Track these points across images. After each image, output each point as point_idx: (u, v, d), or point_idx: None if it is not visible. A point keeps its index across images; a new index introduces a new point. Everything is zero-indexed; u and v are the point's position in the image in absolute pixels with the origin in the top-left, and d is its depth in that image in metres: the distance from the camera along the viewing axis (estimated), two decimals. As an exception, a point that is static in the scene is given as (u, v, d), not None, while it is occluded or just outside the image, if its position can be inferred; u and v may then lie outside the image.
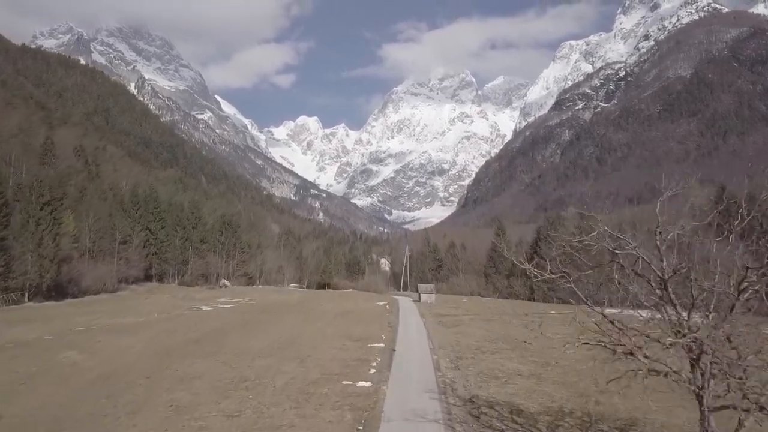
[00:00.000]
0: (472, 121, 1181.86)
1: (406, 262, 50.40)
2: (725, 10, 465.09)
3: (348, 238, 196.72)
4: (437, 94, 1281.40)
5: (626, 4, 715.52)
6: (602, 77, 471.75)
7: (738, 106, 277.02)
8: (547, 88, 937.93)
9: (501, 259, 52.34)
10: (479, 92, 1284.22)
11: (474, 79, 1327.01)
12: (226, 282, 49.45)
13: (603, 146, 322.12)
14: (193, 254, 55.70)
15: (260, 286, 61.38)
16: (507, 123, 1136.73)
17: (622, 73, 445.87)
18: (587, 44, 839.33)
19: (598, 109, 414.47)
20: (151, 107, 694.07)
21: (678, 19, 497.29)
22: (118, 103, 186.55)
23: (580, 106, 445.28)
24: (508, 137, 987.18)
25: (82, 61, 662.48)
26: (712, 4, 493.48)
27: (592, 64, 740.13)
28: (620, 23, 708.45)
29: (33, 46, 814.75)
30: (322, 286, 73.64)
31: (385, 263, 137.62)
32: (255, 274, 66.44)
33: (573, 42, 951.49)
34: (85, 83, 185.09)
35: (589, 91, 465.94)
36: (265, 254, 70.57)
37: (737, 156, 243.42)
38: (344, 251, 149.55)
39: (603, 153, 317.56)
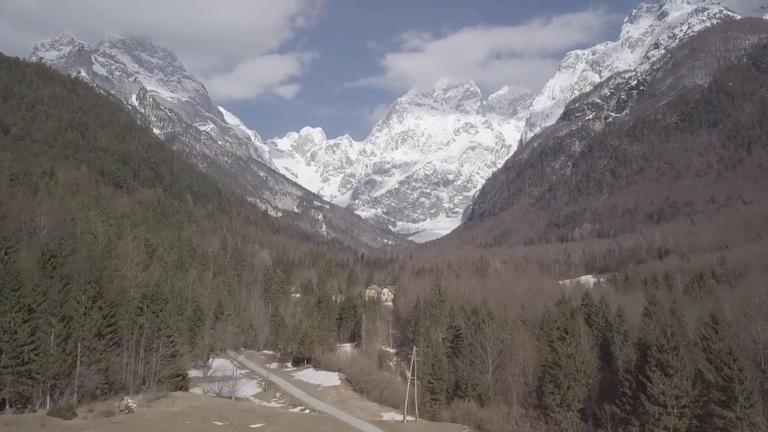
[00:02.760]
0: (477, 132, 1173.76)
1: (413, 373, 35.62)
2: (738, 17, 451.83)
3: (348, 261, 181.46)
4: (442, 104, 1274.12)
5: (633, 13, 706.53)
6: (612, 86, 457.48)
7: (762, 116, 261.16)
8: (553, 98, 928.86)
9: (570, 380, 33.64)
10: (484, 102, 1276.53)
11: (479, 89, 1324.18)
12: (130, 403, 32.74)
13: (617, 158, 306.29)
14: (82, 357, 33.09)
15: (199, 392, 44.44)
16: (512, 133, 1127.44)
17: (633, 82, 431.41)
18: (594, 53, 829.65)
19: (610, 120, 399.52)
20: (153, 119, 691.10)
21: (689, 27, 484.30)
22: (99, 116, 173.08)
23: (590, 117, 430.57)
24: (514, 147, 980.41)
25: (83, 73, 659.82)
26: (724, 12, 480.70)
27: (599, 74, 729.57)
28: (627, 32, 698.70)
29: (33, 58, 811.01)
30: (300, 360, 58.12)
31: (387, 295, 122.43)
32: (198, 360, 50.06)
33: (579, 51, 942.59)
34: (64, 95, 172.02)
35: (598, 100, 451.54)
36: (222, 327, 54.33)
37: (764, 169, 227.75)
38: (340, 282, 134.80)
39: (617, 165, 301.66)
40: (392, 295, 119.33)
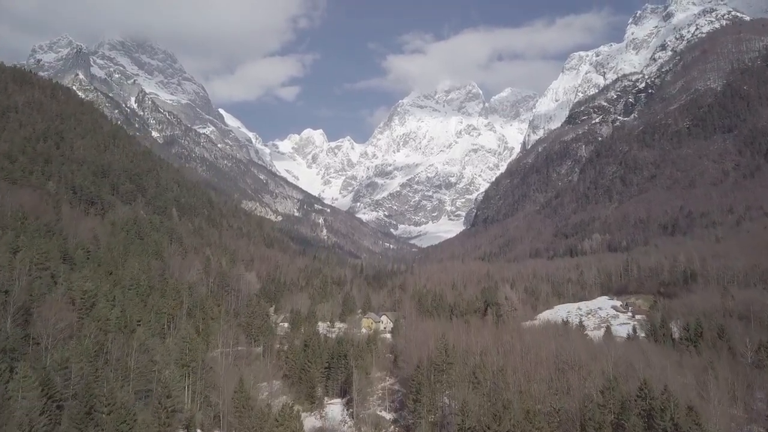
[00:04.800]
0: (479, 134, 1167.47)
1: None
2: (747, 18, 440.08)
3: (345, 277, 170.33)
4: (443, 106, 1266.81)
5: (637, 14, 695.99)
6: (619, 89, 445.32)
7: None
8: (557, 100, 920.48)
9: None
10: (486, 104, 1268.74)
11: (481, 91, 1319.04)
12: None
13: (627, 164, 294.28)
14: None
15: None
16: (515, 135, 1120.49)
17: (641, 85, 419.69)
18: (597, 55, 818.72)
19: (617, 124, 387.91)
20: (152, 122, 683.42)
21: (697, 28, 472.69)
22: (80, 123, 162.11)
23: (596, 120, 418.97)
24: (516, 150, 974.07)
25: (81, 75, 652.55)
26: (733, 12, 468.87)
27: (604, 76, 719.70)
28: (632, 33, 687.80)
29: (31, 61, 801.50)
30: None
31: (386, 323, 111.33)
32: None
33: (582, 53, 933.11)
34: (43, 101, 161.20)
35: (605, 103, 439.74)
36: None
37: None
38: (334, 306, 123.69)
39: (627, 172, 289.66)
40: (391, 324, 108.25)
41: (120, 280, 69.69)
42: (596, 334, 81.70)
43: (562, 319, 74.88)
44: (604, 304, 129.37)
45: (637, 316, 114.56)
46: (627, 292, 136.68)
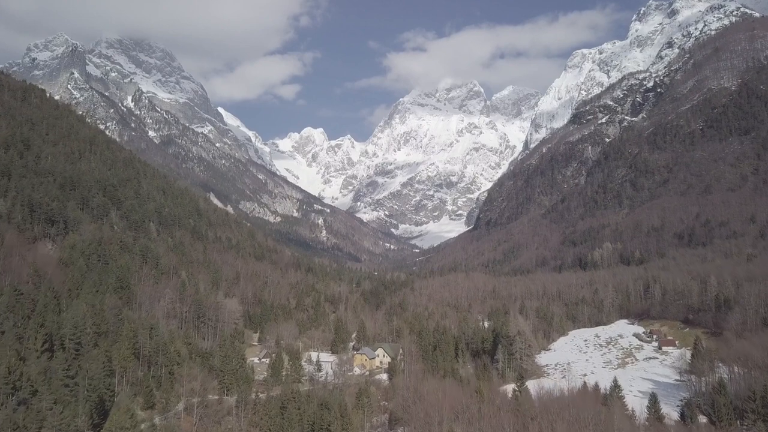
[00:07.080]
0: (481, 132, 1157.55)
1: None
2: (757, 14, 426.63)
3: (340, 295, 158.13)
4: (445, 104, 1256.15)
5: (642, 11, 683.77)
6: (625, 88, 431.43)
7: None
8: (559, 98, 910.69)
9: None
10: (488, 102, 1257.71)
11: (482, 89, 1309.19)
12: None
13: (637, 168, 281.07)
14: None
15: None
16: (517, 134, 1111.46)
17: (649, 84, 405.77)
18: (601, 53, 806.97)
19: (625, 124, 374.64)
20: (149, 121, 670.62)
21: (705, 25, 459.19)
22: (53, 128, 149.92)
23: (602, 120, 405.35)
24: (518, 148, 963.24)
25: (76, 74, 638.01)
26: (742, 9, 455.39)
27: (608, 74, 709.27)
28: (636, 31, 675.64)
29: (26, 59, 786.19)
30: None
31: (381, 358, 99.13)
32: None
33: (585, 50, 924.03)
34: (12, 104, 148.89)
35: (611, 103, 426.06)
36: None
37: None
38: (326, 334, 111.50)
39: (638, 176, 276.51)
40: (389, 359, 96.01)
41: (57, 331, 57.70)
42: (630, 388, 69.31)
43: (603, 390, 62.00)
44: (625, 331, 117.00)
45: (664, 348, 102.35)
46: (649, 316, 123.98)
